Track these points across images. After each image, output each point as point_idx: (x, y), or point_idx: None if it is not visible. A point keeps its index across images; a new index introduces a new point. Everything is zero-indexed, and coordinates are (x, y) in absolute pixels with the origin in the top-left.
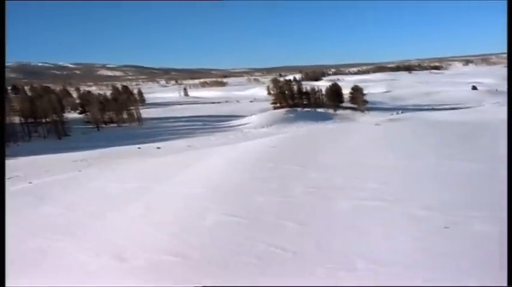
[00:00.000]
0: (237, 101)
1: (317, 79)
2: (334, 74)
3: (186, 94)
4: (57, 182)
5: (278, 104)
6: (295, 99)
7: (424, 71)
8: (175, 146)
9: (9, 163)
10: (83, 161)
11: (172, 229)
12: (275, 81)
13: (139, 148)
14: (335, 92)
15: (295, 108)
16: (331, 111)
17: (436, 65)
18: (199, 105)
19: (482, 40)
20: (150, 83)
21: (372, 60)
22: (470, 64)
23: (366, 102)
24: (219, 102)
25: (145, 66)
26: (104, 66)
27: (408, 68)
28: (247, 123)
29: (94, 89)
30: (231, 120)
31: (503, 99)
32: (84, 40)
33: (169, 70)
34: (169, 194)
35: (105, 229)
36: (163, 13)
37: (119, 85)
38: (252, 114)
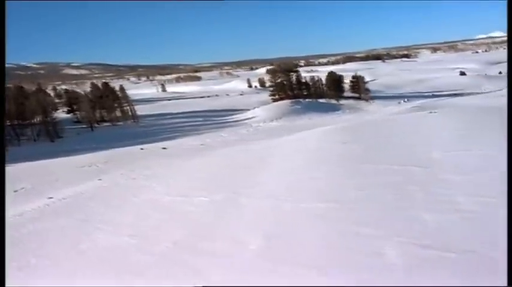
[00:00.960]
0: (227, 95)
1: (291, 70)
2: (306, 65)
3: (164, 90)
4: (86, 195)
5: (277, 96)
6: (295, 90)
7: (396, 60)
8: (185, 145)
9: (6, 171)
10: (92, 167)
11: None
12: (273, 72)
13: (141, 149)
14: (336, 81)
15: (298, 100)
16: (333, 101)
17: (404, 53)
18: (188, 100)
19: (447, 28)
20: (120, 80)
21: (338, 51)
22: (438, 51)
23: (368, 91)
24: (208, 97)
25: (110, 63)
26: (68, 65)
27: (377, 57)
28: (253, 117)
29: (66, 88)
30: (231, 114)
31: (501, 84)
32: (46, 39)
33: (136, 67)
34: (282, 210)
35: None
36: (127, 10)
37: (88, 83)
38: (254, 108)
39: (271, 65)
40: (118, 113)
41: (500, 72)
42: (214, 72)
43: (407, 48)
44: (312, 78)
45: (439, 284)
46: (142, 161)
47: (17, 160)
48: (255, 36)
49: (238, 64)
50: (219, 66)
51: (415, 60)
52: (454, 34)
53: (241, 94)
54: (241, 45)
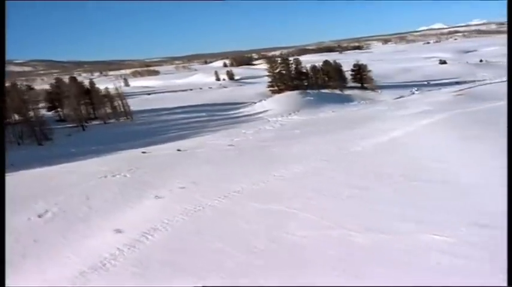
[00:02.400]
0: (210, 88)
1: (248, 64)
2: (260, 58)
3: (127, 84)
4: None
5: (276, 88)
6: (294, 80)
7: (350, 51)
8: (210, 144)
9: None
10: (117, 176)
11: None
12: (271, 62)
13: (143, 152)
14: (338, 71)
15: (306, 91)
16: (337, 91)
17: (356, 45)
18: (167, 94)
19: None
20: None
21: (286, 44)
22: (389, 43)
23: (371, 80)
24: (190, 90)
25: (55, 60)
26: (11, 62)
27: (330, 49)
28: (264, 110)
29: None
30: (235, 108)
31: (498, 72)
32: None
33: (82, 63)
34: None
35: None
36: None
37: (38, 80)
38: (260, 100)
39: (227, 58)
40: (108, 110)
41: (481, 61)
42: (169, 67)
43: (357, 40)
44: (313, 67)
45: None
46: (187, 169)
47: (6, 168)
48: (204, 30)
49: (190, 58)
50: (169, 60)
51: (371, 51)
52: (397, 26)
53: (224, 87)
54: (190, 39)
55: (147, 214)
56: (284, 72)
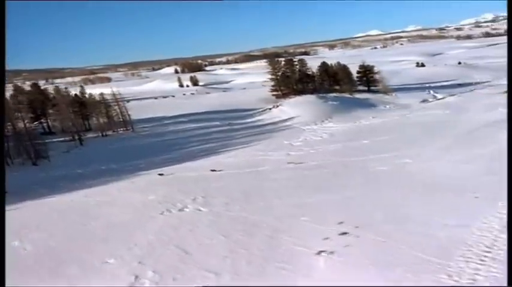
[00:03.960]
0: (192, 94)
1: (200, 70)
2: (210, 64)
3: (83, 93)
4: None
5: (279, 92)
6: (299, 83)
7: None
8: (267, 162)
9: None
10: (189, 211)
11: None
12: (273, 63)
13: (160, 174)
14: (347, 73)
15: (324, 95)
16: (347, 95)
17: (303, 51)
18: (148, 101)
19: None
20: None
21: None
22: (335, 48)
23: (380, 82)
24: (172, 96)
25: None
26: None
27: (277, 55)
28: (289, 117)
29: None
30: (249, 116)
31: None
32: None
33: (20, 71)
34: None
35: None
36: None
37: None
38: (276, 106)
39: (175, 64)
40: (102, 119)
41: (459, 63)
42: (115, 74)
43: (301, 46)
44: (322, 69)
45: None
46: (295, 197)
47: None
48: (146, 38)
49: (134, 65)
50: (112, 68)
51: (325, 56)
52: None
53: (207, 93)
54: (132, 47)
55: None
56: (289, 74)
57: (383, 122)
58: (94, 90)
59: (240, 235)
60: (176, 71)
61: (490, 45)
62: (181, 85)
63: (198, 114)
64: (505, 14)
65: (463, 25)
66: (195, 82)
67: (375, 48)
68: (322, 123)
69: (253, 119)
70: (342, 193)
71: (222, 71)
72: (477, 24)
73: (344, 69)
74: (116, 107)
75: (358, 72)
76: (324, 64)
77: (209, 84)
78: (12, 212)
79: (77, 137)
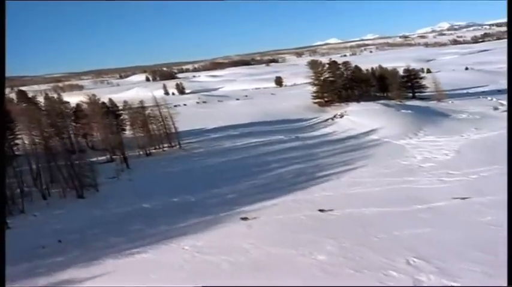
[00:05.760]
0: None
1: (172, 77)
2: (179, 72)
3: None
4: None
5: (322, 99)
6: (346, 90)
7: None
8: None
9: None
10: None
11: None
12: (316, 66)
13: (321, 210)
14: (396, 79)
15: (388, 103)
16: (396, 102)
17: (271, 59)
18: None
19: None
20: None
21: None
22: (303, 56)
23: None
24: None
25: None
26: None
27: (245, 63)
28: (370, 130)
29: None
30: (311, 127)
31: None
32: None
33: None
34: None
35: None
36: None
37: None
38: (339, 116)
39: (144, 71)
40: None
41: (466, 68)
42: (81, 82)
43: (267, 53)
44: (377, 74)
45: None
46: None
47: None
48: (108, 45)
49: (98, 73)
50: (76, 75)
51: (297, 64)
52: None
53: (219, 101)
54: (92, 54)
55: None
56: (333, 79)
57: (499, 135)
58: (68, 100)
59: None
60: (147, 79)
61: (481, 51)
62: (166, 93)
63: (244, 126)
64: (460, 23)
65: (419, 34)
66: (181, 90)
67: (344, 55)
68: (418, 137)
69: (320, 132)
70: None
71: (203, 78)
72: (440, 33)
73: (393, 73)
74: (157, 118)
75: (402, 77)
76: (356, 68)
77: (196, 92)
78: None
79: (120, 157)
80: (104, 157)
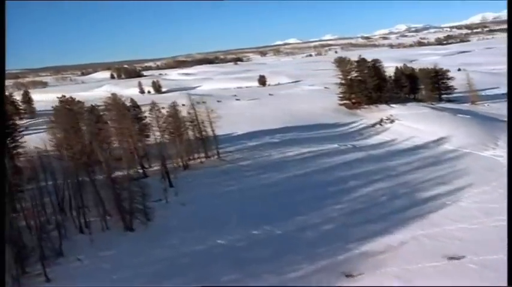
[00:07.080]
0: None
1: (139, 75)
2: (144, 69)
3: (26, 100)
4: None
5: (349, 101)
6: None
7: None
8: None
9: None
10: None
11: None
12: (343, 64)
13: None
14: (430, 79)
15: (435, 106)
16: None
17: (235, 57)
18: None
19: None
20: None
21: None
22: (267, 55)
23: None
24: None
25: None
26: None
27: (209, 61)
28: (437, 139)
29: None
30: (360, 134)
31: None
32: None
33: None
34: None
35: None
36: None
37: None
38: (383, 120)
39: (109, 69)
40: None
41: (459, 69)
42: (44, 78)
43: (230, 52)
44: (401, 73)
45: None
46: None
47: None
48: (69, 42)
49: (57, 70)
50: (33, 72)
51: (264, 63)
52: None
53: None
54: (49, 50)
55: None
56: (361, 79)
57: None
58: (36, 97)
59: None
60: (112, 77)
61: (461, 52)
62: (142, 91)
63: (278, 132)
64: (417, 25)
65: (379, 35)
66: (158, 89)
67: (310, 55)
68: (502, 148)
69: (377, 140)
70: None
71: (176, 76)
72: (402, 34)
73: (426, 74)
74: (191, 122)
75: (432, 77)
76: (375, 67)
77: (174, 91)
78: None
79: (162, 172)
80: (129, 170)
